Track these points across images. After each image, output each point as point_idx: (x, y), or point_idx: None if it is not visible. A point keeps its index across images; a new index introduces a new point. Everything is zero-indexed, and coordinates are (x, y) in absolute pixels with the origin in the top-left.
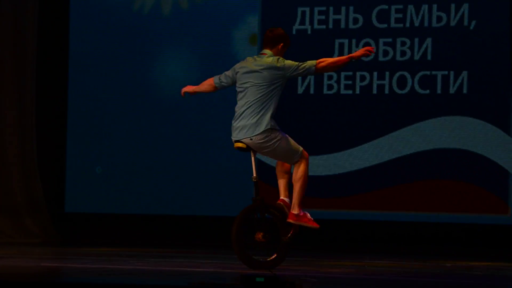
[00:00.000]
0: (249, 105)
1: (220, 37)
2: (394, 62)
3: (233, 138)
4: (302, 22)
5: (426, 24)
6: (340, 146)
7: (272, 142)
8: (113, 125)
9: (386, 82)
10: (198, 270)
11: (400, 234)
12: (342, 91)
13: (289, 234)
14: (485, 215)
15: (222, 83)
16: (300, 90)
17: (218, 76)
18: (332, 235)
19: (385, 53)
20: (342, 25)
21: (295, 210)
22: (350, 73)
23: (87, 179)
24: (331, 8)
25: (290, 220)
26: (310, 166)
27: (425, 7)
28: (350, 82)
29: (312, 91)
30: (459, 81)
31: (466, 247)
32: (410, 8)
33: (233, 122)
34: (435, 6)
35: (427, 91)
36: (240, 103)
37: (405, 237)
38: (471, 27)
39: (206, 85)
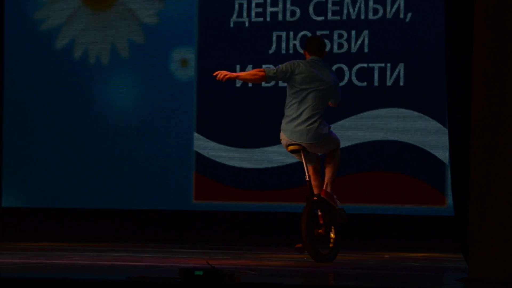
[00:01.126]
0: (311, 110)
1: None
2: (332, 55)
3: (290, 141)
4: (240, 15)
5: (363, 16)
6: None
7: (326, 140)
8: (50, 119)
9: None
10: (137, 264)
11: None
12: (280, 84)
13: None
14: (423, 207)
15: (272, 78)
16: (238, 83)
17: (270, 69)
18: (269, 227)
19: None
20: (280, 18)
21: (328, 188)
22: None
23: (24, 173)
24: (268, 1)
25: (322, 195)
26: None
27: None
28: None
29: (250, 84)
30: (395, 73)
31: (404, 238)
32: (347, 0)
33: (287, 124)
34: None
35: (364, 83)
36: (297, 106)
37: (343, 229)
38: (407, 20)
39: (253, 75)
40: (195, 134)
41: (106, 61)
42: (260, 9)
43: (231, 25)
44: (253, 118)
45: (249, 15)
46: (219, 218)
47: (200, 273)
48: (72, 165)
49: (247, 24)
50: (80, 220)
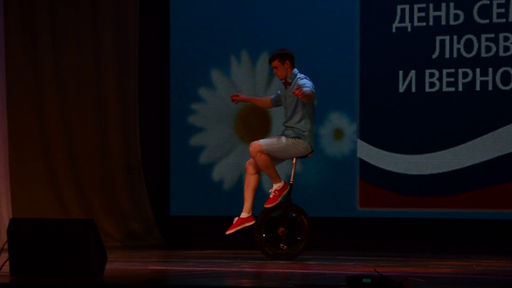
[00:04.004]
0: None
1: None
2: (497, 58)
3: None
4: (402, 20)
5: None
6: (443, 144)
7: None
8: (213, 125)
9: (489, 78)
10: (304, 271)
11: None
12: (445, 89)
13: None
14: None
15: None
16: (402, 88)
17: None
18: (436, 234)
19: (488, 49)
20: (443, 22)
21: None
22: (452, 70)
23: (191, 182)
24: (431, 5)
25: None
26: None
27: None
28: (452, 79)
29: (414, 90)
30: None
31: None
32: None
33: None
34: None
35: None
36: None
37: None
38: None
39: (263, 101)
40: (359, 141)
41: None
42: (423, 14)
43: (393, 30)
44: (417, 123)
45: (411, 20)
46: (384, 225)
47: (368, 280)
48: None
49: (409, 29)
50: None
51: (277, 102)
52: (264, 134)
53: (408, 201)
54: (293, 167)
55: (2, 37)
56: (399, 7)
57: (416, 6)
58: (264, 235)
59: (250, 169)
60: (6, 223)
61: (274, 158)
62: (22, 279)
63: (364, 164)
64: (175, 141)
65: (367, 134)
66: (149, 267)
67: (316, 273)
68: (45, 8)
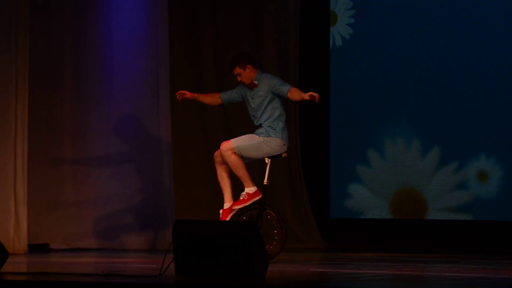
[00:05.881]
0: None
1: None
2: None
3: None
4: None
5: None
6: None
7: None
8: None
9: None
10: (466, 275)
11: None
12: None
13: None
14: None
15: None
16: None
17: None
18: None
19: None
20: None
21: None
22: None
23: (351, 185)
24: None
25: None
26: None
27: None
28: None
29: None
30: None
31: None
32: None
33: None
34: None
35: None
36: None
37: None
38: None
39: (211, 98)
40: None
41: None
42: None
43: None
44: None
45: None
46: None
47: None
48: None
49: None
50: (405, 231)
51: (230, 100)
52: None
53: None
54: (267, 168)
55: (166, 40)
56: None
57: None
58: None
59: (219, 159)
60: (171, 224)
61: (247, 157)
62: (186, 279)
63: None
64: (335, 143)
65: None
66: (310, 269)
67: (479, 277)
68: (208, 16)
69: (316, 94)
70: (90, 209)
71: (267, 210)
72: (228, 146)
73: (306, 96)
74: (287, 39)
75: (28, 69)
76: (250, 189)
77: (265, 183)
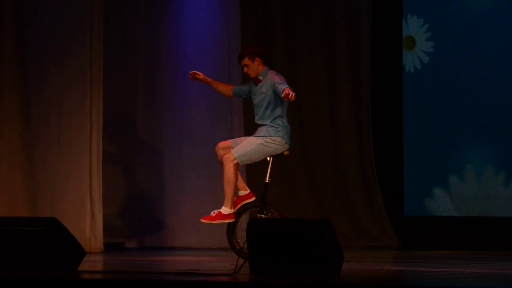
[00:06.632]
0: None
1: None
2: None
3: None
4: None
5: None
6: None
7: None
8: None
9: None
10: None
11: None
12: None
13: None
14: None
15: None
16: None
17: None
18: None
19: None
20: None
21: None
22: None
23: (425, 181)
24: None
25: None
26: None
27: None
28: None
29: None
30: None
31: None
32: None
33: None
34: None
35: None
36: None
37: None
38: None
39: (224, 88)
40: None
41: None
42: None
43: None
44: None
45: None
46: None
47: None
48: None
49: None
50: (486, 229)
51: (240, 94)
52: None
53: None
54: (269, 166)
55: (239, 40)
56: None
57: None
58: (236, 235)
59: (220, 159)
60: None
61: (251, 162)
62: (261, 277)
63: None
64: (408, 141)
65: None
66: (385, 267)
67: None
68: (279, 18)
69: (291, 92)
70: (164, 208)
71: (269, 209)
72: (230, 158)
73: (282, 94)
74: (359, 60)
75: (102, 70)
76: (226, 209)
77: (267, 181)
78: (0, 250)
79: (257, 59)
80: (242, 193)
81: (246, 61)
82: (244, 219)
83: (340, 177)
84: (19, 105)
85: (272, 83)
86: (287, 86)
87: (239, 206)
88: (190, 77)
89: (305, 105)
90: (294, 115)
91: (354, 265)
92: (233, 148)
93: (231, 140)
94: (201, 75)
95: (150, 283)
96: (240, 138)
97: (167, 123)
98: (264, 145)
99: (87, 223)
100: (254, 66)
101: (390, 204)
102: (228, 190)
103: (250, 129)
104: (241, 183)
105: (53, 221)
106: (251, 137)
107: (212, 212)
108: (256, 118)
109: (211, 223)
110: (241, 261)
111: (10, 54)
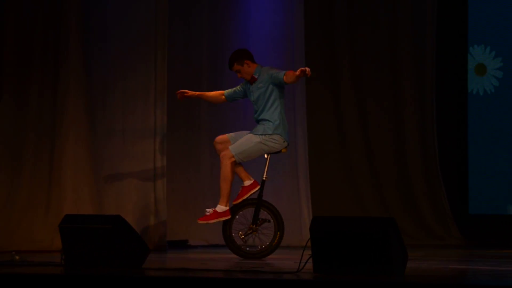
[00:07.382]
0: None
1: None
2: None
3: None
4: None
5: None
6: None
7: None
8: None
9: None
10: None
11: None
12: None
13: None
14: None
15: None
16: None
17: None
18: None
19: None
20: None
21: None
22: None
23: (489, 180)
24: None
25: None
26: None
27: None
28: None
29: None
30: None
31: None
32: None
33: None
34: None
35: None
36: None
37: None
38: None
39: (215, 96)
40: None
41: None
42: None
43: None
44: None
45: None
46: None
47: None
48: None
49: None
50: None
51: (234, 97)
52: None
53: None
54: (267, 163)
55: (302, 41)
56: None
57: None
58: (232, 233)
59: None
60: (307, 221)
61: (249, 160)
62: (324, 275)
63: None
64: (473, 139)
65: None
66: (450, 266)
67: None
68: (343, 24)
69: (306, 68)
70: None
71: (266, 206)
72: (228, 155)
73: (297, 72)
74: (423, 60)
75: (167, 67)
76: (221, 207)
77: (264, 178)
78: (68, 247)
79: (246, 61)
80: (247, 183)
81: (236, 67)
82: (241, 216)
83: (404, 176)
84: (85, 108)
85: (270, 75)
86: (285, 71)
87: (246, 196)
88: (178, 97)
89: (370, 107)
90: (351, 111)
91: (418, 264)
92: (231, 143)
93: (229, 134)
94: (188, 92)
95: (212, 281)
96: (238, 132)
97: (230, 123)
98: (263, 143)
99: (152, 221)
100: (246, 69)
101: (454, 202)
102: (224, 187)
103: (314, 127)
104: (244, 173)
105: (118, 219)
106: (250, 134)
107: (207, 212)
108: (255, 115)
109: (208, 223)
110: (304, 259)
111: (75, 65)
